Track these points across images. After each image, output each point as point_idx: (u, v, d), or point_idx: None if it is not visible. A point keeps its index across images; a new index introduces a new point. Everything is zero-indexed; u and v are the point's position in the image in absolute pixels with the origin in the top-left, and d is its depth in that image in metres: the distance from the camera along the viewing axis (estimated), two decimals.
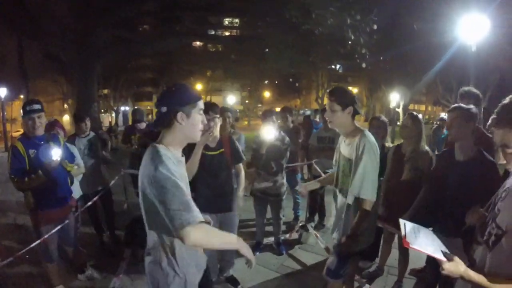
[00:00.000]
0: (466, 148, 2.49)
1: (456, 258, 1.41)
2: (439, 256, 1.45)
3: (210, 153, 3.13)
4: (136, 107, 12.29)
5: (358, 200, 2.35)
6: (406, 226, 1.65)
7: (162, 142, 1.72)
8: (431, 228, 1.78)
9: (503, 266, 1.36)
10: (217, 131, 2.97)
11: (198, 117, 1.75)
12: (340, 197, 2.60)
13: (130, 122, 6.22)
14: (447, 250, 1.50)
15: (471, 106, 2.51)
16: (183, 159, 1.81)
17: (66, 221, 3.27)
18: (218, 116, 2.98)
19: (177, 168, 1.63)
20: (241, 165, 3.36)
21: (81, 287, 3.63)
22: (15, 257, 2.91)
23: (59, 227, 3.16)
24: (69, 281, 3.63)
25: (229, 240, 1.75)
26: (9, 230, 5.30)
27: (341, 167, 2.58)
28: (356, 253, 2.58)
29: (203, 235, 1.57)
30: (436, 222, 2.48)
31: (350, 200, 2.42)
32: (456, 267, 1.39)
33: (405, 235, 1.57)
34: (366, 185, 2.29)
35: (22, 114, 3.12)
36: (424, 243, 1.56)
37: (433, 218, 2.63)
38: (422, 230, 1.69)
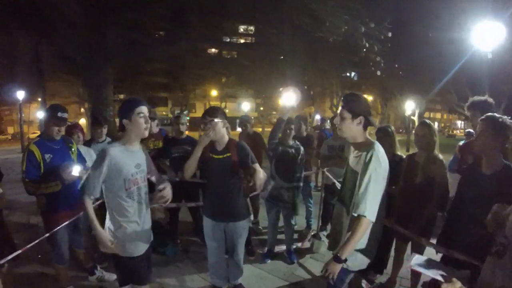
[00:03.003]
0: (493, 161, 2.31)
1: (454, 279, 1.48)
2: (439, 277, 1.72)
3: (216, 156, 3.09)
4: None
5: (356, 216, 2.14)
6: (417, 259, 2.05)
7: (121, 141, 2.43)
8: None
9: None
10: (215, 134, 2.93)
11: (138, 120, 2.35)
12: (338, 207, 2.45)
13: None
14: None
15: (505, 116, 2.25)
16: (138, 150, 2.53)
17: (75, 218, 3.25)
18: (215, 119, 2.92)
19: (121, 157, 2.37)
20: (256, 164, 3.13)
21: None
22: (20, 253, 2.84)
23: (67, 222, 3.15)
24: (79, 282, 3.65)
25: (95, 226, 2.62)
26: (19, 228, 5.32)
27: (346, 178, 2.41)
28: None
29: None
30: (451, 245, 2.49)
31: (351, 214, 2.22)
32: (453, 286, 1.47)
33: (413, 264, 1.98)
34: (367, 202, 2.07)
35: (47, 117, 3.11)
36: (428, 268, 1.90)
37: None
38: (432, 262, 2.04)
